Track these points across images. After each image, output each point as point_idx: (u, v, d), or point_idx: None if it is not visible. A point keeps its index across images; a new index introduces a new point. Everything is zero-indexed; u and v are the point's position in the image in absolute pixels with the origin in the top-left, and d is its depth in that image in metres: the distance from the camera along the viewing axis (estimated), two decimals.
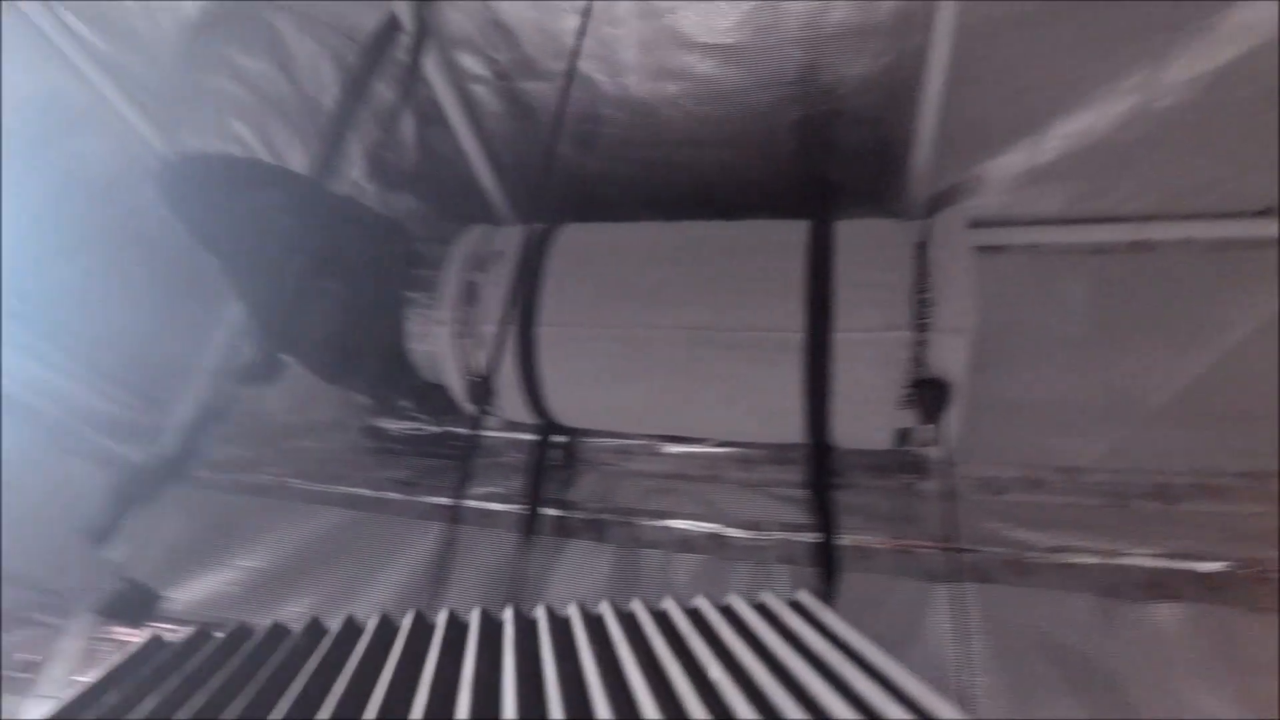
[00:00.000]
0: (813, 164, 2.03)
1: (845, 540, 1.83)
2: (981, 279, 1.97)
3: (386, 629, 0.51)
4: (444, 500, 2.10)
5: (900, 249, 1.59)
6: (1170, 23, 1.49)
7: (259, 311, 1.97)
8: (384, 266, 2.01)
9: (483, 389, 1.89)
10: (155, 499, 2.12)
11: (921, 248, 1.57)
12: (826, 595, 1.71)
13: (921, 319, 1.50)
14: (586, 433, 2.20)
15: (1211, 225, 1.82)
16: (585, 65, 1.82)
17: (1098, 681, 1.54)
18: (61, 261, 2.21)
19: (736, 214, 2.15)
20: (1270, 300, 1.71)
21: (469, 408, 2.00)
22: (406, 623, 0.50)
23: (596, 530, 2.05)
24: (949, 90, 1.65)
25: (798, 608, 0.46)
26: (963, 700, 1.60)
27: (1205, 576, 1.57)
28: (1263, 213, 1.77)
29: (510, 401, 1.93)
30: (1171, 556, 1.60)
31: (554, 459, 2.18)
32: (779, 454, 1.99)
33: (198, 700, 0.44)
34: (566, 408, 1.92)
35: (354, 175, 1.91)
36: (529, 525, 1.99)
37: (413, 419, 2.42)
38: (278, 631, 0.48)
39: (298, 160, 1.83)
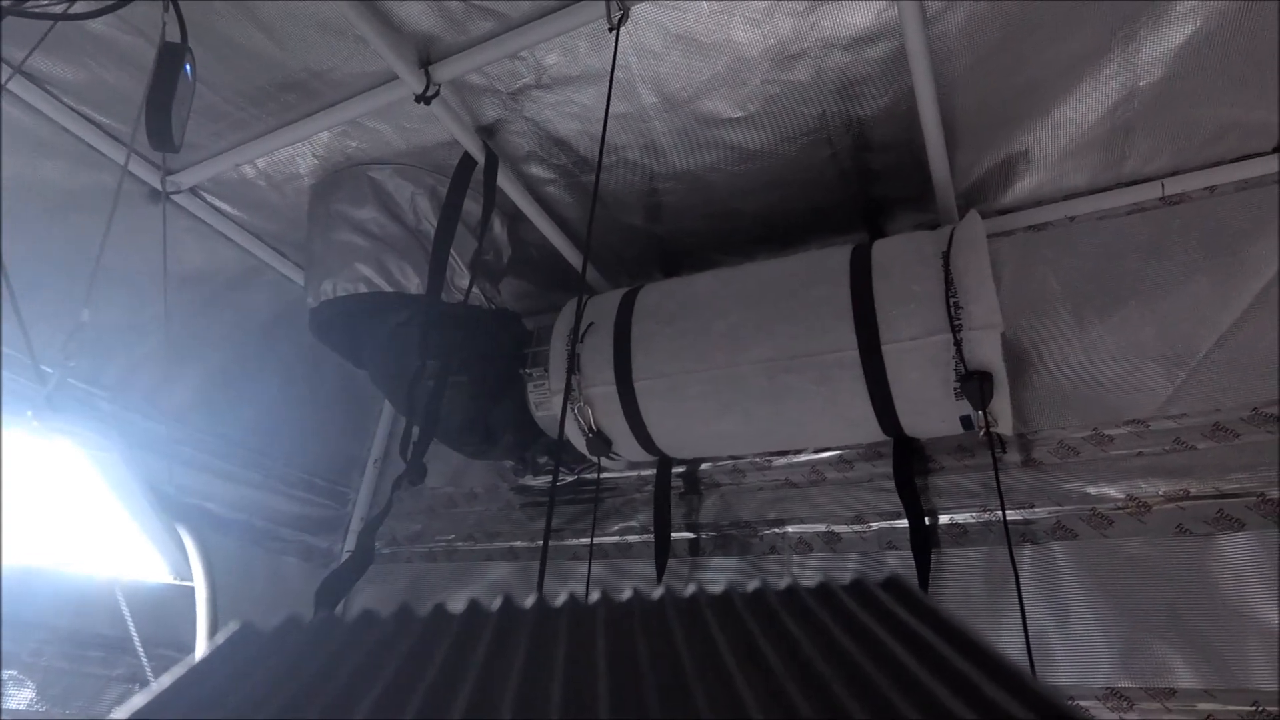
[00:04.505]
0: (853, 188, 2.24)
1: (941, 519, 2.04)
2: (1029, 256, 2.16)
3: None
4: (586, 541, 2.40)
5: (929, 260, 1.80)
6: (1126, 16, 1.65)
7: (404, 410, 2.33)
8: (501, 352, 2.35)
9: (600, 441, 2.20)
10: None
11: (946, 255, 1.77)
12: (925, 573, 1.92)
13: (955, 320, 1.70)
14: (702, 459, 2.46)
15: (1231, 169, 1.94)
16: (633, 155, 2.12)
17: (1179, 614, 1.69)
18: (245, 399, 2.66)
19: (795, 241, 2.40)
20: None
21: (593, 458, 2.31)
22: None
23: (724, 545, 2.31)
24: (945, 112, 1.85)
25: (890, 586, 0.52)
26: (1053, 655, 1.78)
27: (1270, 503, 1.69)
28: (1277, 149, 1.88)
29: (627, 447, 2.22)
30: (1237, 490, 1.74)
31: (677, 488, 2.46)
32: (871, 451, 2.19)
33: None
34: (675, 444, 2.20)
35: (461, 282, 2.25)
36: (662, 550, 2.27)
37: (550, 473, 2.75)
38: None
39: (414, 283, 2.19)
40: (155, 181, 2.30)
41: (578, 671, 0.45)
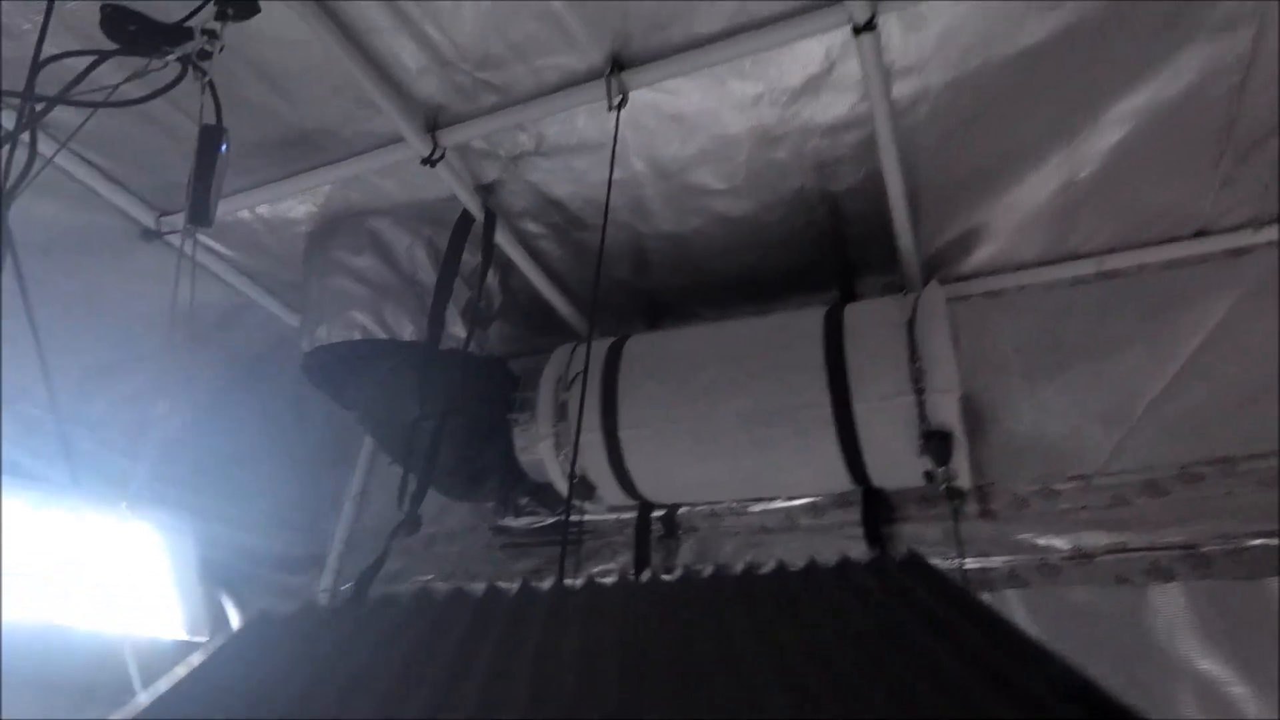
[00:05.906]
0: (827, 251, 2.41)
1: None
2: (985, 320, 2.33)
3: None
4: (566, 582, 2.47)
5: (895, 326, 1.96)
6: (1064, 119, 1.86)
7: (397, 456, 2.40)
8: (490, 397, 2.44)
9: (584, 486, 2.30)
10: None
11: (911, 324, 1.93)
12: None
13: (919, 384, 1.86)
14: (680, 504, 2.57)
15: (1160, 250, 2.16)
16: (625, 217, 2.26)
17: (1116, 662, 1.84)
18: (232, 432, 2.70)
19: (772, 297, 2.55)
20: (1219, 308, 2.03)
21: (575, 502, 2.41)
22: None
23: None
24: (910, 190, 2.04)
25: (909, 565, 0.54)
26: None
27: (1198, 555, 1.87)
28: (1198, 234, 2.10)
29: (609, 492, 2.32)
30: (1169, 544, 1.91)
31: (656, 531, 2.55)
32: (841, 500, 2.32)
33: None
34: (656, 490, 2.31)
35: (454, 329, 2.34)
36: None
37: (532, 514, 2.81)
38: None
39: (407, 330, 2.28)
40: (150, 221, 2.35)
41: (589, 648, 0.47)
